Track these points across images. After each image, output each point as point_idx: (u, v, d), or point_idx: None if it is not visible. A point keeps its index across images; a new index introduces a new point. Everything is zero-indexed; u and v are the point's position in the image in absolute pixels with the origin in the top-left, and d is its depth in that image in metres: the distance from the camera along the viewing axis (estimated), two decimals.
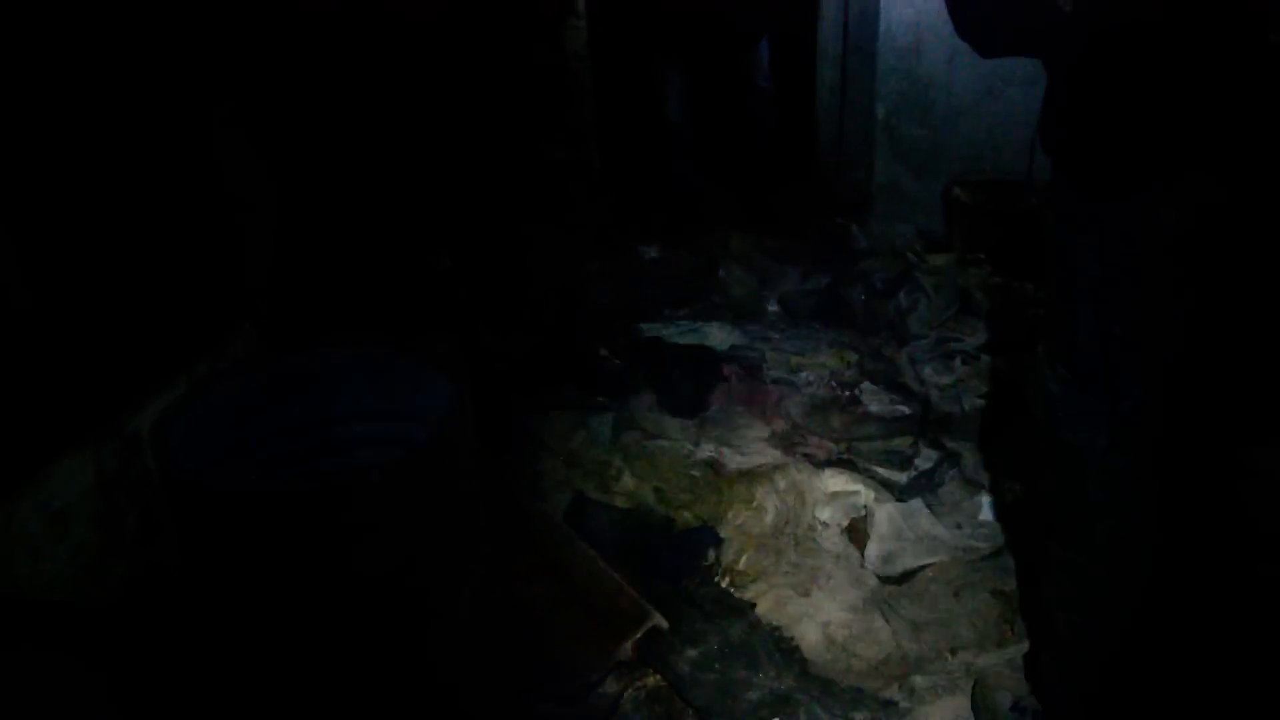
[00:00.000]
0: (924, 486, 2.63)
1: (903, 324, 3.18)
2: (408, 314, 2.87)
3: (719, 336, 3.36)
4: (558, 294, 3.57)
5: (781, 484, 2.58)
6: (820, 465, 2.69)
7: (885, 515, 2.46)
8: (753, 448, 2.80)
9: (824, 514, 2.51)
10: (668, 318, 3.50)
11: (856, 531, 2.47)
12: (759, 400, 2.97)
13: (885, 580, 2.34)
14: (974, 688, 2.06)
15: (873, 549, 2.40)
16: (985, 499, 2.56)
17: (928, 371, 2.93)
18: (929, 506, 2.54)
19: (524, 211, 3.74)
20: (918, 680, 2.10)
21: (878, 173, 3.92)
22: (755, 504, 2.53)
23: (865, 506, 2.49)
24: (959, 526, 2.47)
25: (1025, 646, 2.14)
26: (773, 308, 3.60)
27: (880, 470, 2.68)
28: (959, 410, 2.81)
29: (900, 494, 2.60)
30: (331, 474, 1.98)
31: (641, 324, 3.46)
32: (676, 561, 2.37)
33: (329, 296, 2.62)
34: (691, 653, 2.14)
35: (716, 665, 2.12)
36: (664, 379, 3.12)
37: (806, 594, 2.31)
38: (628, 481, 2.64)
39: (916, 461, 2.74)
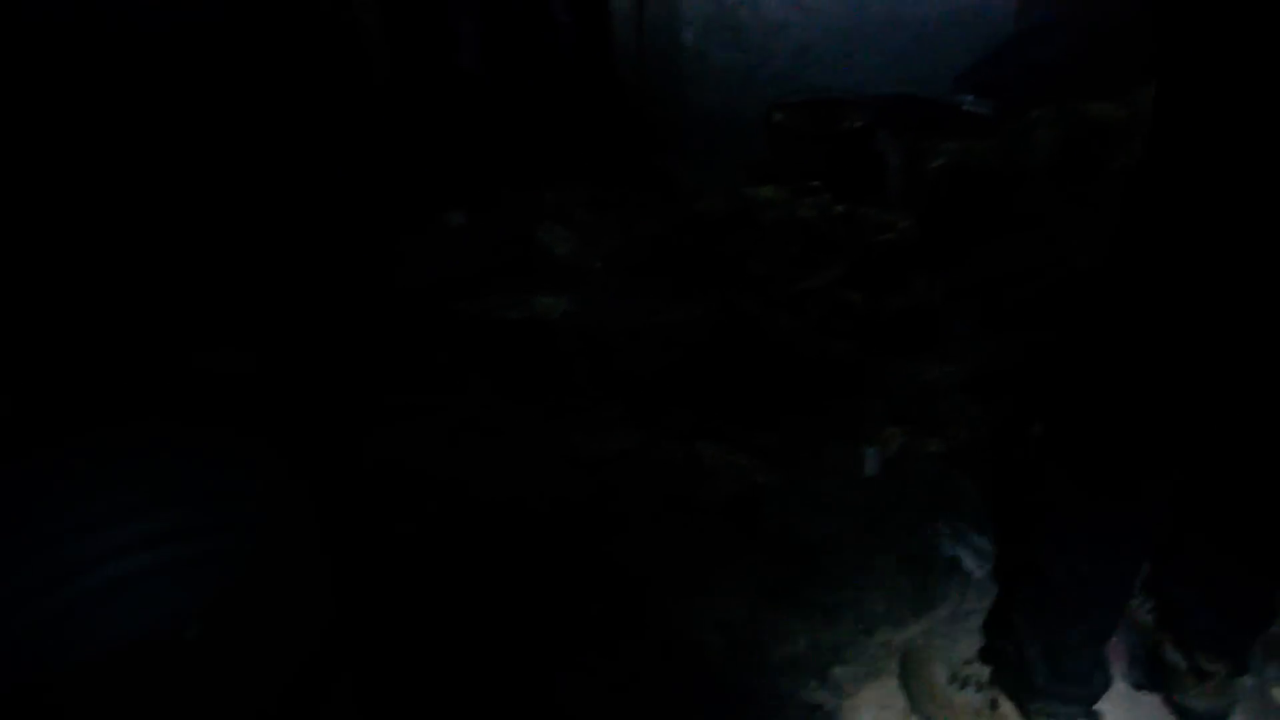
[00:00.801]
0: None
1: (744, 269, 2.94)
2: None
3: (549, 305, 3.05)
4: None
5: (645, 466, 2.31)
6: (689, 436, 2.45)
7: (774, 484, 2.24)
8: (609, 428, 2.52)
9: (703, 491, 2.26)
10: (488, 291, 3.15)
11: (745, 507, 2.23)
12: (605, 373, 2.68)
13: (783, 560, 2.12)
14: (901, 665, 1.88)
15: (765, 525, 2.17)
16: (870, 451, 2.36)
17: (784, 319, 2.71)
18: (819, 462, 2.33)
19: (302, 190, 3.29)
20: (838, 672, 1.90)
21: (692, 104, 3.65)
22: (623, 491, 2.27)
23: (752, 481, 2.26)
24: (853, 483, 2.27)
25: (942, 617, 1.97)
26: (601, 261, 3.30)
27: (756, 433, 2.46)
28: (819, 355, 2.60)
29: (781, 454, 2.38)
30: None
31: (461, 302, 3.10)
32: None
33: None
34: None
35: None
36: (498, 364, 2.79)
37: (699, 590, 2.07)
38: None
39: None
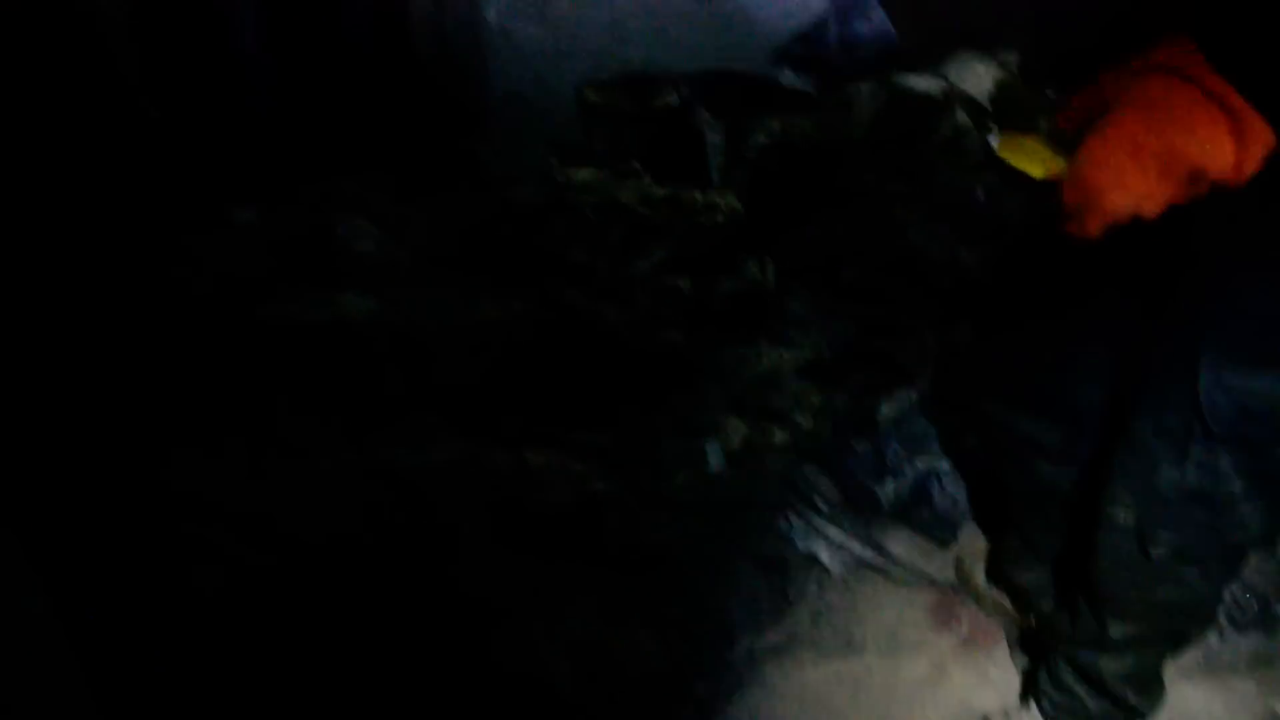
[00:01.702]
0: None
1: (564, 258, 2.75)
2: None
3: (355, 305, 2.78)
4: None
5: (473, 477, 2.11)
6: (517, 442, 2.26)
7: (613, 491, 2.07)
8: (430, 438, 2.30)
9: (534, 503, 2.07)
10: (286, 293, 2.85)
11: (584, 517, 2.06)
12: (420, 378, 2.45)
13: (633, 573, 1.95)
14: None
15: (610, 537, 2.00)
16: (710, 445, 2.23)
17: (610, 310, 2.54)
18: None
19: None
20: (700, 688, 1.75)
21: (496, 84, 3.43)
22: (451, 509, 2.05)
23: (592, 491, 2.08)
24: (693, 488, 2.12)
25: (805, 618, 1.86)
26: (410, 256, 3.05)
27: (590, 435, 2.28)
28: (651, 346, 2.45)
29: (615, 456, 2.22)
30: None
31: (256, 306, 2.80)
32: None
33: None
34: None
35: None
36: (301, 374, 2.52)
37: (540, 615, 1.88)
38: None
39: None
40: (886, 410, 2.15)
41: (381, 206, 3.22)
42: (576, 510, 2.07)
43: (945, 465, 2.00)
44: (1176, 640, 1.79)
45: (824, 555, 1.90)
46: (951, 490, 1.98)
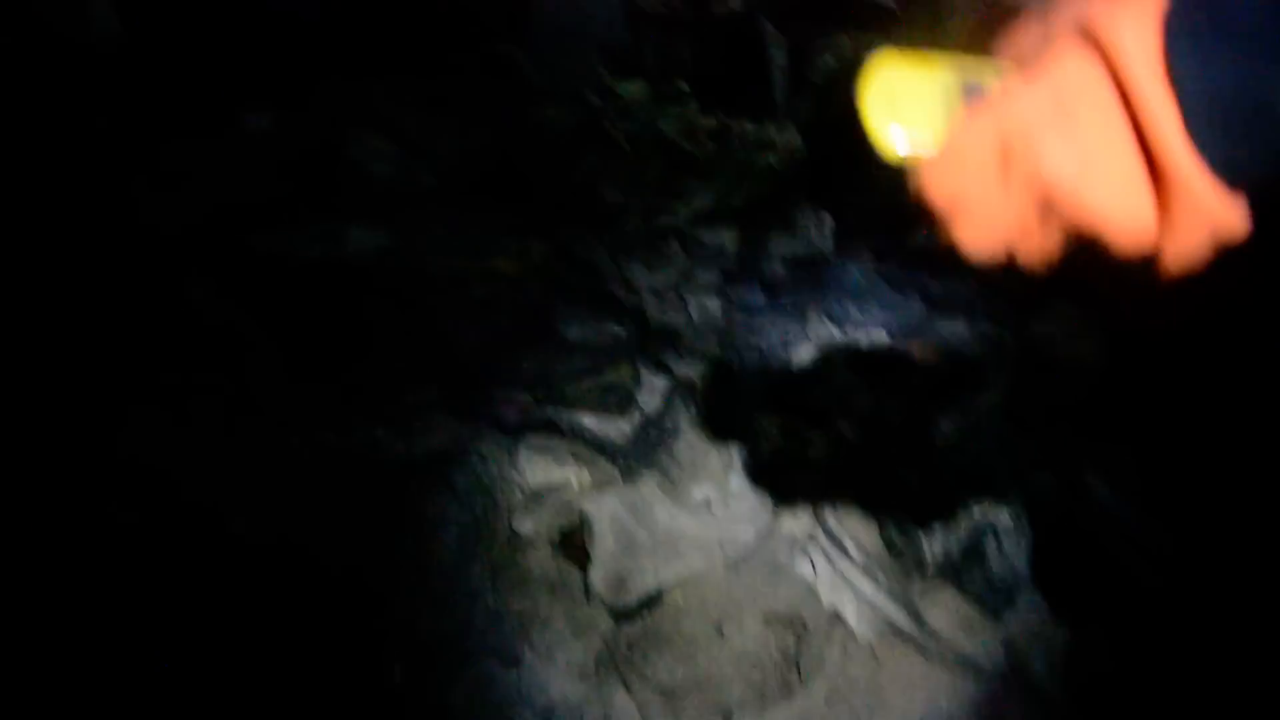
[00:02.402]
0: (655, 443, 1.95)
1: (595, 197, 2.39)
2: None
3: (362, 241, 2.49)
4: None
5: (460, 482, 1.83)
6: (514, 432, 1.96)
7: (608, 514, 1.77)
8: (421, 419, 2.02)
9: (525, 524, 1.79)
10: (289, 221, 2.56)
11: (574, 545, 1.77)
12: (420, 340, 2.16)
13: (621, 617, 1.67)
14: None
15: (598, 571, 1.71)
16: (736, 452, 1.90)
17: (637, 270, 2.19)
18: (667, 475, 1.87)
19: None
20: None
21: None
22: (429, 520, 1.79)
23: (581, 510, 1.78)
24: (708, 507, 1.81)
25: (819, 698, 1.54)
26: (430, 181, 2.72)
27: (593, 425, 1.97)
28: (684, 318, 2.10)
29: (624, 462, 1.91)
30: None
31: (253, 235, 2.52)
32: None
33: None
34: None
35: None
36: (291, 322, 2.25)
37: (515, 662, 1.62)
38: None
39: (640, 398, 2.05)
40: (947, 428, 1.78)
41: (405, 121, 2.89)
42: (570, 531, 1.78)
43: (1006, 518, 1.61)
44: None
45: (850, 614, 1.56)
46: (1010, 550, 1.59)
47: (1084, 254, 0.61)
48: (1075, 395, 1.85)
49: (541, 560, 1.74)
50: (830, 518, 1.72)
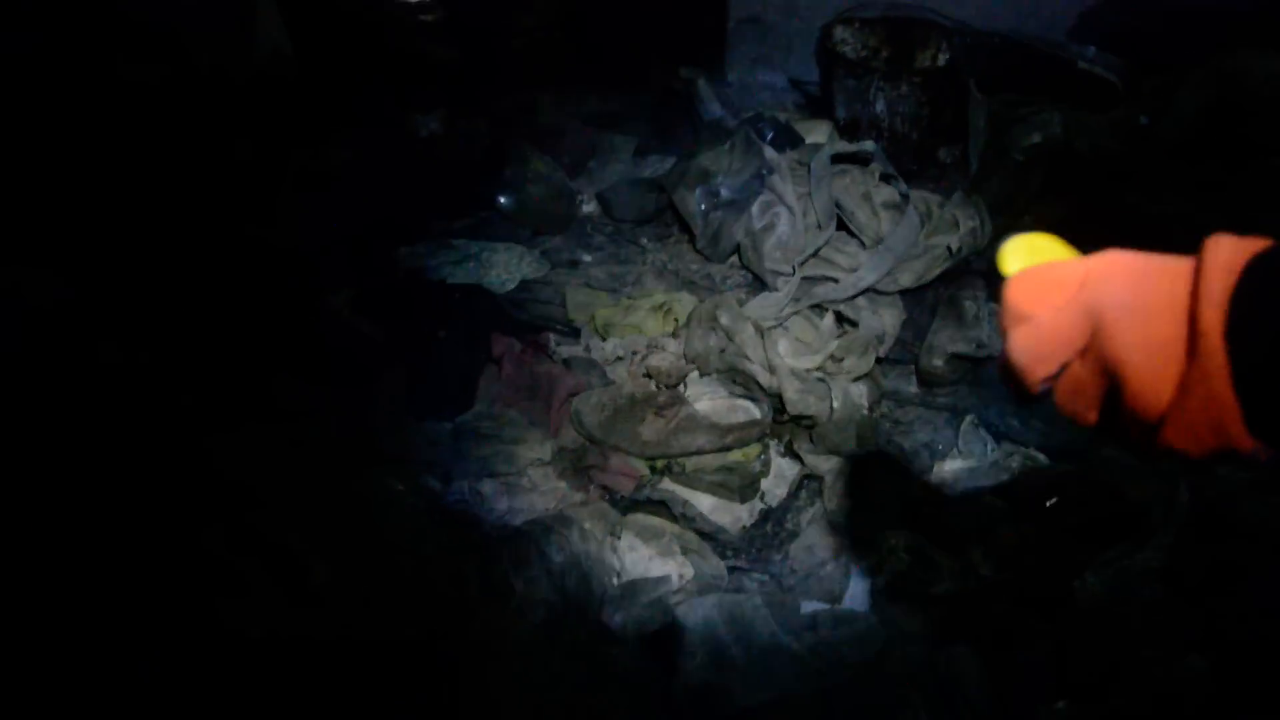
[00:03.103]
0: (771, 542, 1.81)
1: (755, 254, 2.24)
2: None
3: (504, 266, 2.41)
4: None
5: (556, 558, 1.72)
6: (624, 508, 1.85)
7: (702, 622, 1.63)
8: (525, 481, 1.92)
9: (615, 617, 1.66)
10: (439, 235, 2.51)
11: (664, 650, 1.64)
12: (543, 393, 2.06)
13: None
14: None
15: (683, 683, 1.58)
16: (856, 567, 1.74)
17: (783, 348, 2.03)
18: (779, 583, 1.72)
19: None
20: None
21: (736, 4, 2.86)
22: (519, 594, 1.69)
23: (675, 617, 1.65)
24: (813, 626, 1.65)
25: None
26: (588, 207, 2.63)
27: (708, 511, 1.83)
28: (827, 408, 1.93)
29: (733, 558, 1.77)
30: None
31: (401, 247, 2.47)
32: None
33: None
34: None
35: None
36: (423, 355, 2.19)
37: None
38: None
39: (765, 486, 1.90)
40: (1093, 583, 1.56)
41: (575, 136, 2.81)
42: (656, 639, 1.64)
43: (1143, 704, 1.38)
44: None
45: None
46: None
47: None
48: (1254, 568, 1.60)
49: (627, 658, 1.62)
50: (943, 661, 1.53)
